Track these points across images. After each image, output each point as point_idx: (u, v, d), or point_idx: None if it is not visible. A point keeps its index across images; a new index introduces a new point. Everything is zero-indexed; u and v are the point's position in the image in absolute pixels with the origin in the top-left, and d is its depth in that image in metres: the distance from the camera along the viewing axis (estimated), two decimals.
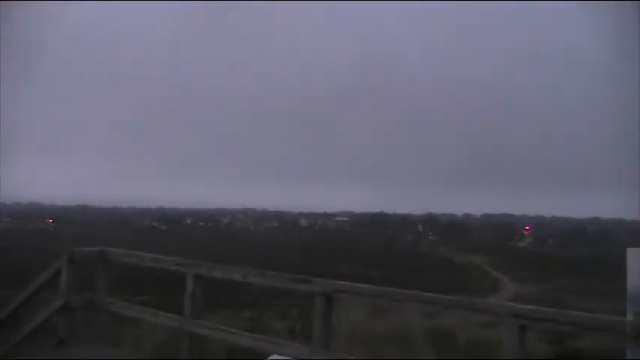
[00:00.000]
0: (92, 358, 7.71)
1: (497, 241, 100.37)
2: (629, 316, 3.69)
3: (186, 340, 7.30)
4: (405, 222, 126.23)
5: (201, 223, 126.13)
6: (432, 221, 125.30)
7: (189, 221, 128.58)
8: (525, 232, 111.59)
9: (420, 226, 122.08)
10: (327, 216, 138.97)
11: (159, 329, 8.88)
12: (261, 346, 6.89)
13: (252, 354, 7.06)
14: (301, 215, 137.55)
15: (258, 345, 6.95)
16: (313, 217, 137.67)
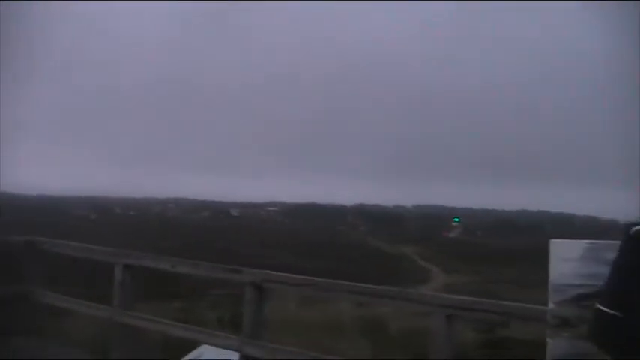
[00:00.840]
0: (23, 351, 7.59)
1: (427, 232, 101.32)
2: (551, 305, 3.81)
3: (117, 330, 7.24)
4: (335, 212, 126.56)
5: (132, 213, 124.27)
6: (363, 212, 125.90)
7: (119, 210, 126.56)
8: (454, 224, 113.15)
9: (350, 217, 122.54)
10: (257, 206, 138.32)
11: (91, 320, 8.77)
12: (192, 337, 6.89)
13: (184, 344, 7.05)
14: (232, 205, 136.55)
15: (189, 335, 6.95)
16: (244, 206, 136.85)
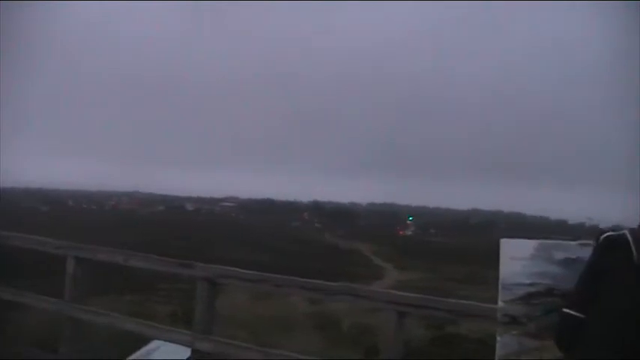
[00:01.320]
0: None
1: (381, 229, 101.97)
2: (500, 304, 3.87)
3: (67, 324, 7.14)
4: (291, 209, 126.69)
5: (85, 205, 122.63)
6: (318, 209, 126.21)
7: (71, 203, 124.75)
8: (409, 222, 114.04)
9: (306, 214, 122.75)
10: (213, 201, 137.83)
11: (41, 314, 8.64)
12: (143, 332, 6.84)
13: (135, 339, 7.00)
14: (187, 199, 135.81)
15: (140, 330, 6.89)
16: (199, 201, 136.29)
